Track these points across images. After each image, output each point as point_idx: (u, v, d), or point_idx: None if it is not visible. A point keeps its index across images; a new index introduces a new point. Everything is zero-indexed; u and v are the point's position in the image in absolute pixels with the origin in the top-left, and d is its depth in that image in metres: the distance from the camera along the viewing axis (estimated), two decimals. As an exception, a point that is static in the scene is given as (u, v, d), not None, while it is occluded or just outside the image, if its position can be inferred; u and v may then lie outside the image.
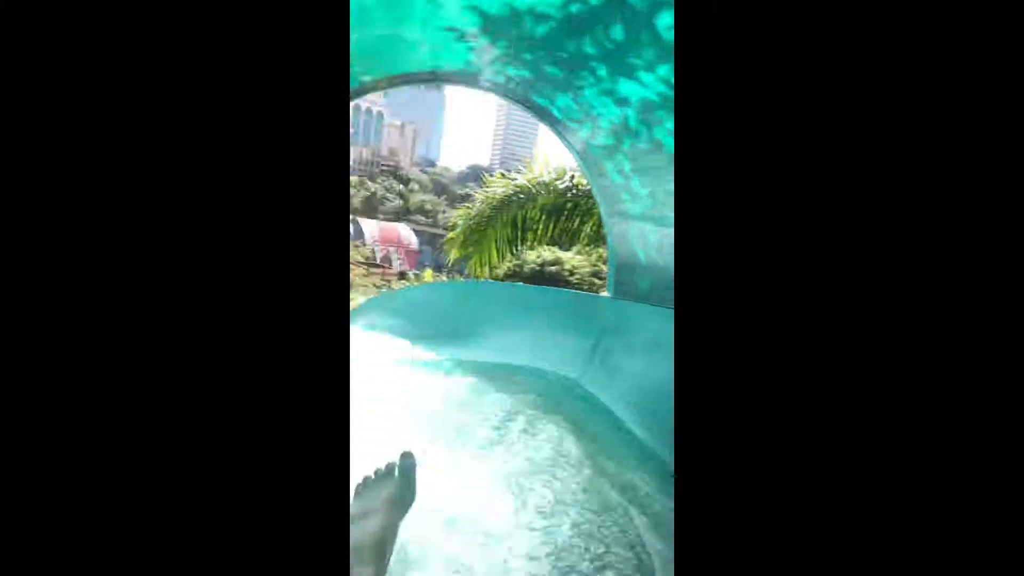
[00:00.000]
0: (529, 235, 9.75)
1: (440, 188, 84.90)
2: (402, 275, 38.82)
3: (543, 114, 4.10)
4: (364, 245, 43.97)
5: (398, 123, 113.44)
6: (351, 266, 32.22)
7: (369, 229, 48.48)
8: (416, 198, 74.59)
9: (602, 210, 4.82)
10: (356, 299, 27.19)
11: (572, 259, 18.63)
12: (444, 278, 32.08)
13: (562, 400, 3.75)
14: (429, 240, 51.71)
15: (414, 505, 1.49)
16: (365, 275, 32.86)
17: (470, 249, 10.63)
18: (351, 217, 52.43)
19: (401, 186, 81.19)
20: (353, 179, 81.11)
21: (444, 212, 66.96)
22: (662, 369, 3.47)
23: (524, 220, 9.65)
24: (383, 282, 34.05)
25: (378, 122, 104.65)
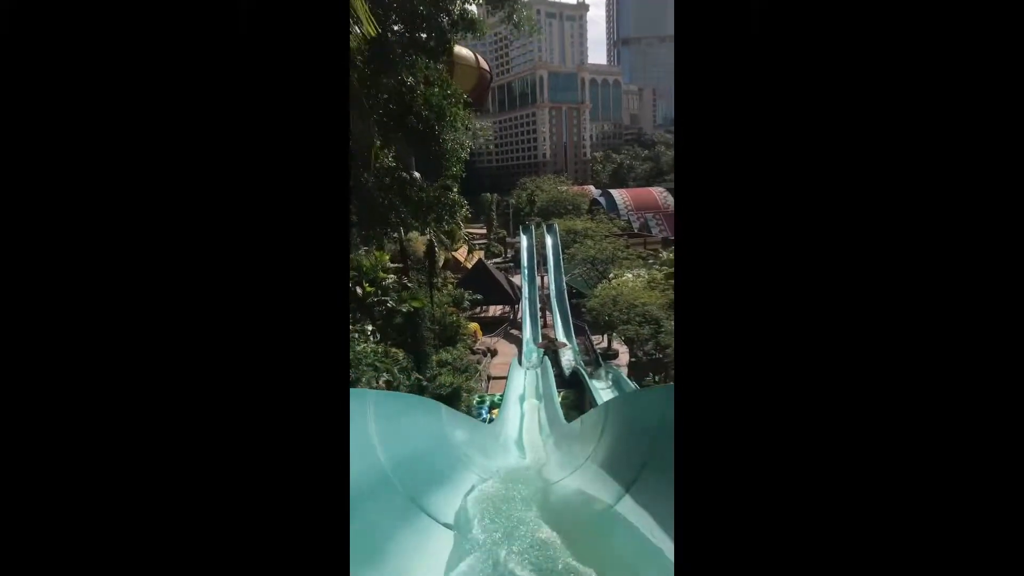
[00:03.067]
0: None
1: (690, 144, 77.37)
2: (666, 241, 34.71)
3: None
4: (618, 216, 40.92)
5: (635, 88, 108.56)
6: (609, 238, 29.37)
7: (621, 199, 45.35)
8: (668, 156, 68.90)
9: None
10: (623, 274, 24.49)
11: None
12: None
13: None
14: (691, 198, 46.15)
15: None
16: (626, 247, 29.63)
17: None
18: (601, 191, 50.05)
19: (646, 151, 76.58)
20: (597, 154, 79.74)
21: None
22: None
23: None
24: (648, 251, 30.43)
25: (615, 92, 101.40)
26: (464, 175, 8.60)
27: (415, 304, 13.26)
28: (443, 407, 4.87)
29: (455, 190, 8.52)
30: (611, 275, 24.64)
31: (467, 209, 10.36)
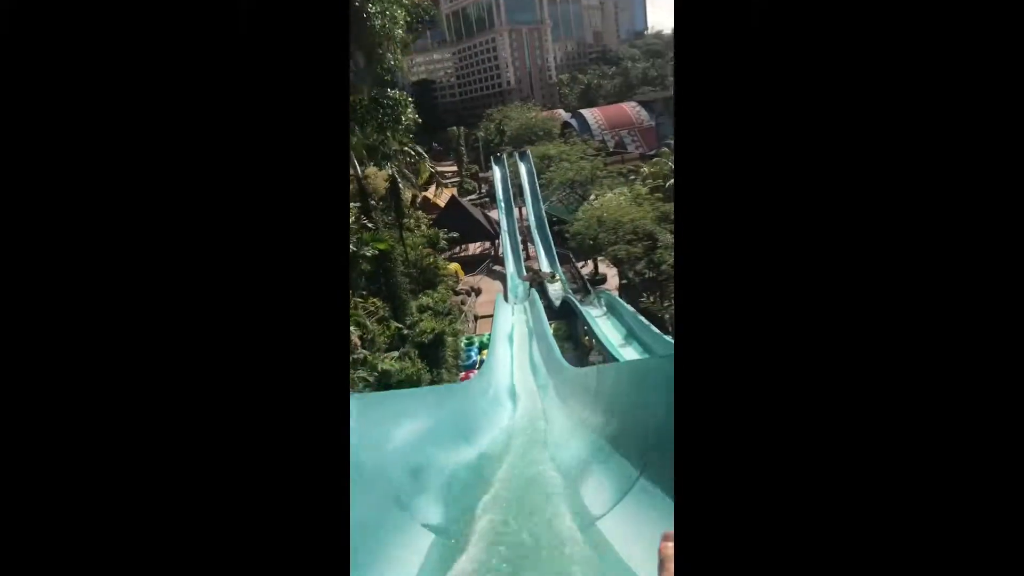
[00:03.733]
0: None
1: (656, 55, 73.90)
2: (644, 157, 33.07)
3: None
4: (592, 137, 38.87)
5: (596, 2, 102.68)
6: (584, 160, 27.61)
7: (593, 118, 43.07)
8: (637, 68, 65.62)
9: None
10: (604, 194, 23.02)
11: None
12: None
13: None
14: (667, 107, 43.75)
15: None
16: (604, 165, 27.94)
17: None
18: (571, 113, 47.79)
19: (613, 68, 73.14)
20: (563, 76, 76.32)
21: (672, 76, 57.32)
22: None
23: None
24: (629, 168, 28.80)
25: (575, 8, 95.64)
26: (402, 66, 6.88)
27: (379, 246, 11.78)
28: (367, 398, 3.47)
29: (396, 89, 6.81)
30: (592, 197, 23.13)
31: (413, 111, 8.75)
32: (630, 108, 44.76)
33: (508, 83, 75.49)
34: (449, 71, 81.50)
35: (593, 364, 15.45)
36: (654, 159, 26.34)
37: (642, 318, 13.79)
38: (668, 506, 2.12)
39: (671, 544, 0.77)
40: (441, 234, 22.45)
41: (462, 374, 14.61)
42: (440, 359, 14.07)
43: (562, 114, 50.69)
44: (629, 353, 12.62)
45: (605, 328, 14.59)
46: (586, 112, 45.21)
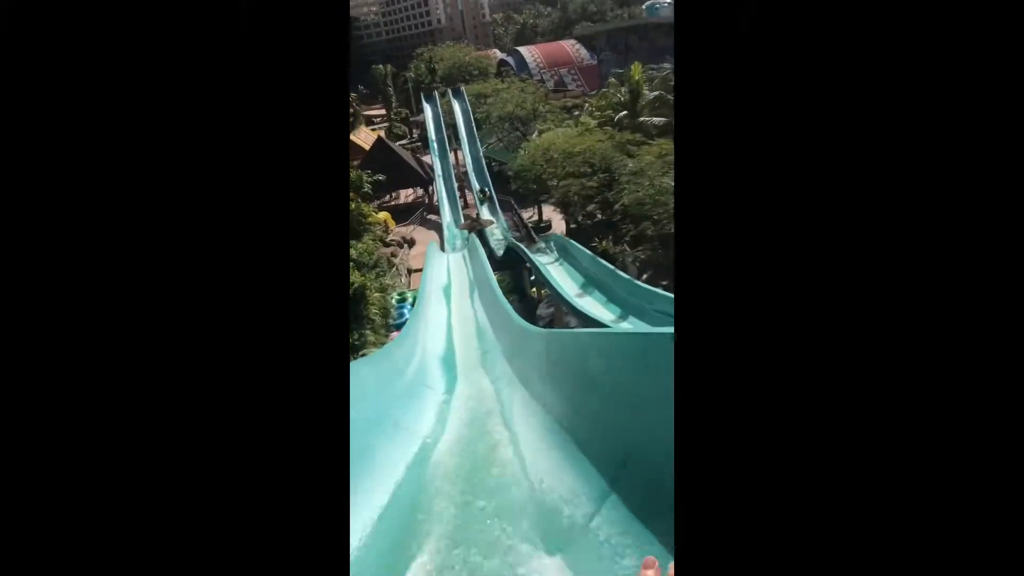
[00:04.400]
0: None
1: (595, -7, 70.67)
2: (585, 97, 30.88)
3: None
4: (530, 76, 36.15)
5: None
6: (531, 96, 25.12)
7: (531, 56, 40.14)
8: (575, 3, 62.20)
9: None
10: (549, 129, 20.72)
11: None
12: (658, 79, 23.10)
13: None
14: (608, 43, 41.27)
15: None
16: (546, 99, 25.54)
17: None
18: (506, 51, 44.72)
19: (549, 8, 69.48)
20: (498, 15, 72.25)
21: (612, 11, 54.69)
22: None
23: None
24: (574, 104, 26.57)
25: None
26: None
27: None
28: None
29: None
30: (535, 134, 20.83)
31: None
32: (569, 46, 41.99)
33: (439, 21, 70.38)
34: (373, 8, 75.08)
35: (542, 317, 13.71)
36: (600, 93, 24.18)
37: (602, 260, 11.98)
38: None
39: (650, 572, 0.74)
40: (365, 176, 19.66)
41: (392, 333, 12.52)
42: (363, 318, 11.81)
43: (498, 53, 47.50)
44: (589, 303, 10.85)
45: (559, 276, 12.70)
46: (523, 49, 42.15)
